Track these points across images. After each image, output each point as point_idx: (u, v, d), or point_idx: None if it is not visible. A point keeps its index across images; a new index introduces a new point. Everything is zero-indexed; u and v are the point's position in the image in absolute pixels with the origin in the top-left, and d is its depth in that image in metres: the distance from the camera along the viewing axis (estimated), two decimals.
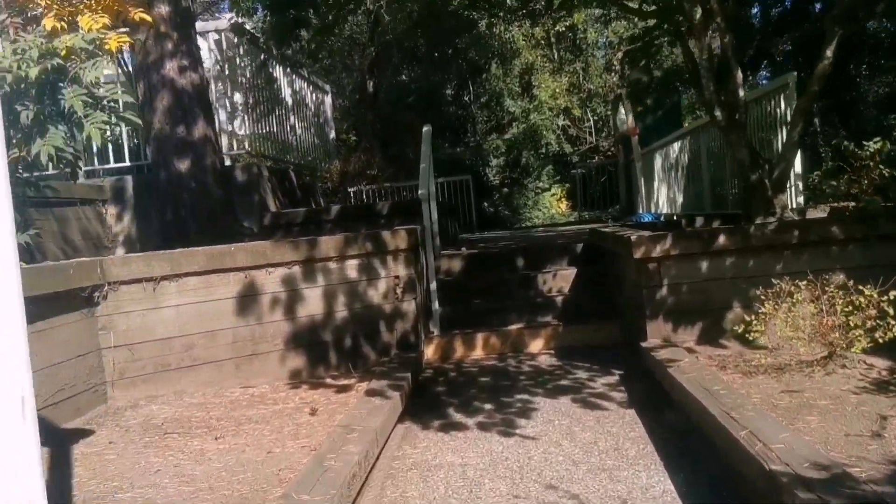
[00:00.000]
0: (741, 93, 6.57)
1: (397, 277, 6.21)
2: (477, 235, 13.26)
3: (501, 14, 26.27)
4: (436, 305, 7.14)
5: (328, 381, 5.71)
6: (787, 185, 7.01)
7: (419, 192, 7.10)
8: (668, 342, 5.70)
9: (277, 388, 5.54)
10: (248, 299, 5.60)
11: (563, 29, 29.22)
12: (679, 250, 5.67)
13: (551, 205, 28.71)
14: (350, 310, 6.01)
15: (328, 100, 12.82)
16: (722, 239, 5.64)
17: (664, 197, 11.14)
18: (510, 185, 27.99)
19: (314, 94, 12.04)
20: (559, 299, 7.47)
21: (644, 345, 5.71)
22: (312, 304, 5.87)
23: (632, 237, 5.78)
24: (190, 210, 6.66)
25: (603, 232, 7.74)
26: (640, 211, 12.18)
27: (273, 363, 5.70)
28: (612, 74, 28.24)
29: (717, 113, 6.54)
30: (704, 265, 5.70)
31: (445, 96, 28.30)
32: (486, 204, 24.80)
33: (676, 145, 10.24)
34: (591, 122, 28.33)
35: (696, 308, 5.75)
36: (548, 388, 5.64)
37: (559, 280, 7.74)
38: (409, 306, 6.27)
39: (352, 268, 6.02)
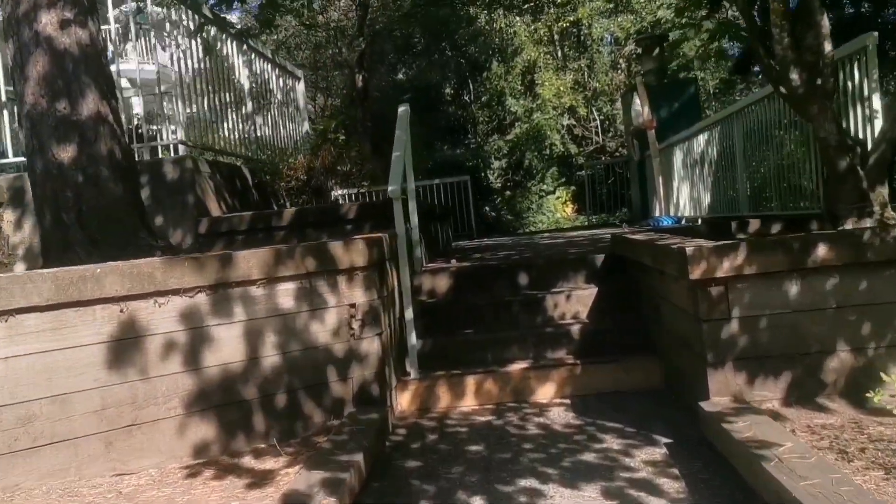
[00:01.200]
0: (827, 47, 4.76)
1: (353, 306, 4.42)
2: (475, 243, 11.49)
3: (501, 7, 24.73)
4: (413, 339, 5.35)
5: (247, 460, 3.92)
6: (885, 175, 5.20)
7: (389, 188, 5.30)
8: (741, 401, 3.90)
9: (168, 473, 3.74)
10: (125, 345, 3.80)
11: (567, 25, 27.60)
12: (757, 267, 3.87)
13: (556, 208, 26.89)
14: (284, 354, 4.23)
15: (300, 87, 11.04)
16: (822, 250, 3.84)
17: (686, 197, 9.37)
18: (512, 187, 26.18)
19: (282, 80, 10.28)
20: (575, 329, 5.66)
21: (707, 407, 3.89)
22: (227, 348, 4.07)
23: (686, 248, 3.97)
24: (75, 213, 4.87)
25: (630, 239, 5.94)
26: (657, 213, 10.42)
27: (166, 435, 3.89)
28: (619, 72, 26.60)
29: (794, 75, 4.75)
30: (794, 289, 3.91)
31: (444, 95, 26.53)
32: (487, 208, 23.04)
33: (702, 137, 8.45)
34: (598, 121, 26.54)
35: (782, 351, 3.95)
36: (564, 467, 3.85)
37: (574, 302, 5.94)
38: (372, 345, 4.49)
39: (286, 294, 4.23)
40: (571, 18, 27.30)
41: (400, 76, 23.42)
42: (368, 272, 4.47)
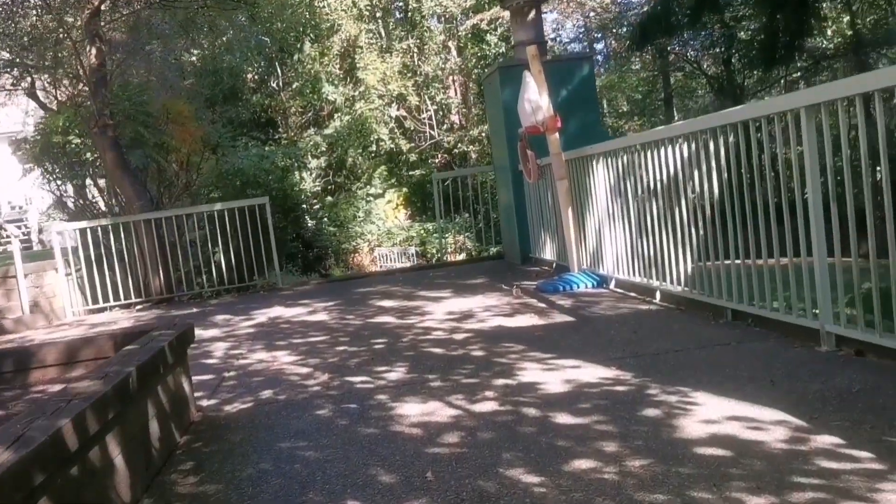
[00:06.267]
0: None
1: None
2: (254, 321, 7.44)
3: None
4: None
5: None
6: None
7: None
8: None
9: None
10: None
11: None
12: None
13: (387, 215, 23.15)
14: None
15: None
16: None
17: (620, 244, 5.64)
18: (334, 191, 22.12)
19: None
20: None
21: None
22: None
23: None
24: None
25: None
26: (569, 267, 6.57)
27: None
28: (449, 54, 23.21)
29: None
30: None
31: (247, 81, 21.98)
32: (307, 225, 18.76)
33: (684, 148, 4.69)
34: (431, 111, 23.02)
35: None
36: None
37: None
38: None
39: None
40: None
41: (188, 56, 18.60)
42: None
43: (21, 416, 1.98)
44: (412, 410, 3.21)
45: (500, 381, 3.52)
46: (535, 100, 6.13)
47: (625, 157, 5.54)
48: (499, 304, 5.84)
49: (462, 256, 17.76)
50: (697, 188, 4.53)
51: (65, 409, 1.99)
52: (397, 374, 3.91)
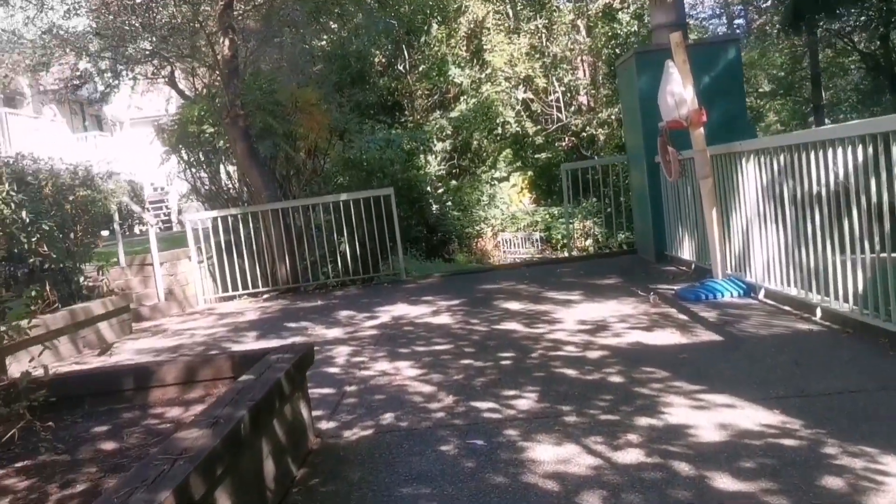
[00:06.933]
0: None
1: None
2: (379, 321, 7.29)
3: None
4: None
5: None
6: None
7: None
8: None
9: None
10: None
11: None
12: None
13: (511, 199, 22.78)
14: None
15: None
16: None
17: (772, 250, 5.06)
18: (458, 175, 21.88)
19: None
20: None
21: None
22: None
23: None
24: None
25: None
26: (712, 272, 6.00)
27: None
28: (579, 35, 22.42)
29: None
30: None
31: (374, 65, 22.03)
32: (431, 210, 18.61)
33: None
34: (559, 93, 22.37)
35: None
36: None
37: None
38: None
39: None
40: None
41: (318, 42, 18.81)
42: None
43: (120, 485, 1.80)
44: (546, 455, 2.89)
45: (644, 421, 3.14)
46: (679, 93, 5.60)
47: (782, 157, 4.95)
48: (634, 314, 5.41)
49: (589, 242, 17.19)
50: (875, 197, 3.94)
51: (167, 476, 1.79)
52: (527, 401, 3.59)
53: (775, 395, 3.28)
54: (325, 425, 3.56)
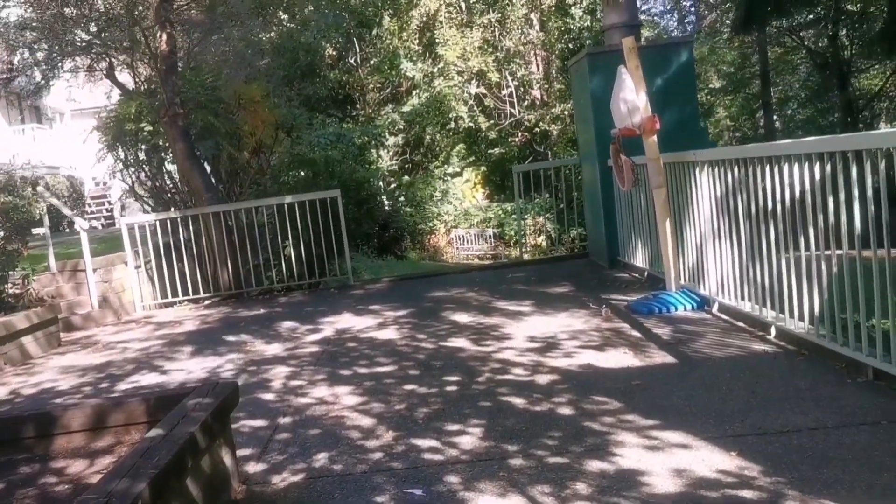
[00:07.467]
0: None
1: None
2: (324, 328, 7.02)
3: None
4: None
5: None
6: None
7: None
8: None
9: None
10: None
11: None
12: None
13: (464, 195, 22.57)
14: None
15: None
16: None
17: (727, 263, 4.88)
18: (411, 170, 21.56)
19: None
20: None
21: None
22: None
23: None
24: None
25: None
26: (665, 283, 5.81)
27: None
28: (532, 29, 22.24)
29: None
30: None
31: (324, 58, 21.52)
32: (383, 208, 18.25)
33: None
34: (512, 88, 22.18)
35: None
36: None
37: None
38: None
39: None
40: None
41: (265, 34, 18.30)
42: None
43: None
44: None
45: (595, 465, 2.93)
46: (632, 100, 5.41)
47: (736, 170, 4.80)
48: (586, 329, 5.22)
49: (542, 239, 17.03)
50: (833, 216, 3.79)
51: None
52: (472, 437, 3.36)
53: (732, 434, 3.10)
54: (252, 468, 3.28)
